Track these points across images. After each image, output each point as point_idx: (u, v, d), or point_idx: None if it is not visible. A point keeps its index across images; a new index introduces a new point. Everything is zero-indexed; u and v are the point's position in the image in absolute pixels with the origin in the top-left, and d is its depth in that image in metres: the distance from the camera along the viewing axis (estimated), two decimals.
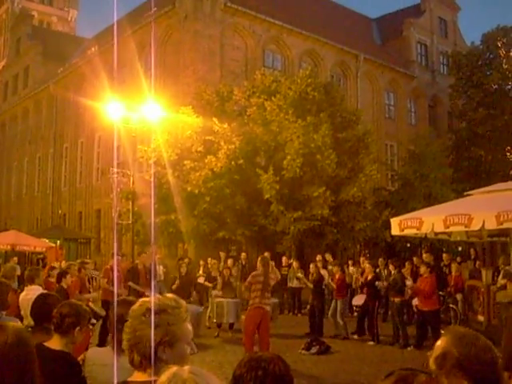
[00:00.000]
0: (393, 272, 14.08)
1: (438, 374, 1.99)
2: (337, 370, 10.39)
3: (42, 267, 16.33)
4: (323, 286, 15.47)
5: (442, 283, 14.82)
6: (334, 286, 14.62)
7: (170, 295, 2.39)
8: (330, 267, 16.84)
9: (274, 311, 14.12)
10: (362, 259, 18.29)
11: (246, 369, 1.90)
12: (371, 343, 13.24)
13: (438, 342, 2.10)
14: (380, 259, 17.47)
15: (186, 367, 1.65)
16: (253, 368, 1.89)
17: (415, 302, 13.63)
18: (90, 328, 5.01)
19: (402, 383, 1.19)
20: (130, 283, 12.99)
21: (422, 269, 13.01)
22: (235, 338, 13.36)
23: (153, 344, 2.13)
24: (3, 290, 4.71)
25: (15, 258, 21.30)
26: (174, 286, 15.40)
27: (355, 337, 13.85)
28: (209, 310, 15.03)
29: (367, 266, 14.71)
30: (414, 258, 17.42)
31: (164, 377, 1.63)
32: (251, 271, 11.40)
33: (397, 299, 13.29)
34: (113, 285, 11.65)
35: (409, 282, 13.39)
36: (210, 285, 16.83)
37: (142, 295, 11.76)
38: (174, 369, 1.65)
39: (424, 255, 16.20)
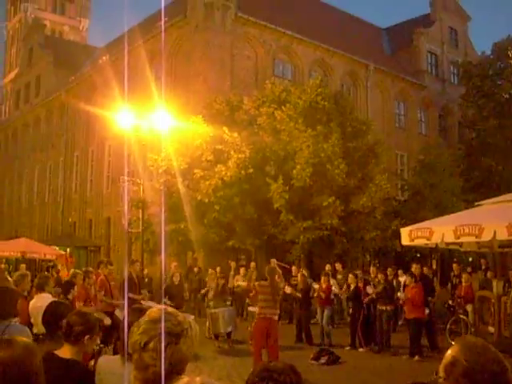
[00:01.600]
0: (381, 281, 14.16)
1: None
2: (346, 381, 10.35)
3: (52, 275, 16.36)
4: (310, 295, 15.77)
5: (431, 291, 14.87)
6: (323, 295, 14.75)
7: (171, 310, 2.36)
8: (339, 276, 16.85)
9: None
10: (371, 269, 18.20)
11: (258, 379, 1.90)
12: (361, 350, 13.55)
13: (449, 351, 2.11)
14: (389, 269, 17.38)
15: (198, 378, 1.63)
16: (264, 378, 1.89)
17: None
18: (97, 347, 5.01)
19: None
20: (130, 294, 12.84)
21: (408, 279, 13.20)
22: (239, 348, 13.31)
23: (163, 366, 2.10)
24: (12, 297, 4.72)
25: (23, 265, 21.35)
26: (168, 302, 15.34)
27: (361, 349, 13.83)
28: (207, 321, 14.90)
29: (350, 276, 14.92)
30: (412, 268, 17.38)
31: None
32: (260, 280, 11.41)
33: (387, 307, 13.56)
34: (111, 296, 11.53)
35: (399, 294, 13.75)
36: (202, 292, 16.85)
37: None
38: (185, 379, 1.64)
39: (414, 266, 16.15)
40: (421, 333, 12.92)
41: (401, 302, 13.68)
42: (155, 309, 2.33)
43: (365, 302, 13.91)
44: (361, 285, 14.38)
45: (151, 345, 2.13)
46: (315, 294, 15.44)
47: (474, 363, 1.99)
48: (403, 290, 15.06)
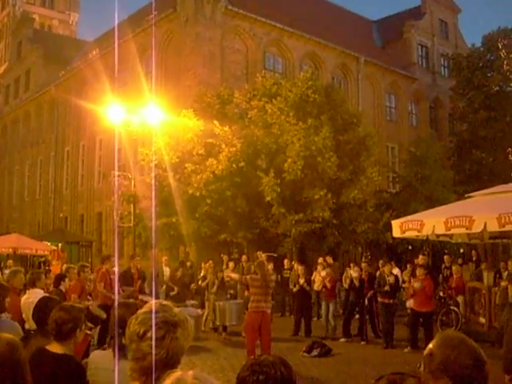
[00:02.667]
0: (382, 272, 14.14)
1: (426, 378, 2.03)
2: (338, 373, 10.40)
3: (44, 270, 16.33)
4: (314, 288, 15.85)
5: (436, 284, 14.90)
6: (329, 285, 14.71)
7: (166, 303, 2.39)
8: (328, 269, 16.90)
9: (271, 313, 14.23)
10: (363, 261, 18.28)
11: (249, 373, 1.92)
12: (363, 343, 13.59)
13: (430, 344, 2.16)
14: (381, 261, 17.45)
15: (191, 372, 1.64)
16: (255, 372, 1.91)
17: (410, 303, 13.72)
18: (88, 333, 5.00)
19: None
20: (124, 287, 12.91)
21: (419, 271, 13.05)
22: (234, 340, 13.37)
23: (154, 357, 2.12)
24: (1, 293, 4.71)
25: (10, 261, 21.29)
26: (172, 293, 15.44)
27: (363, 343, 13.85)
28: (206, 313, 14.99)
29: (356, 268, 15.00)
30: (416, 260, 17.43)
31: (168, 381, 1.63)
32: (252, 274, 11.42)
33: (387, 300, 13.42)
34: (110, 289, 11.58)
35: (405, 285, 13.65)
36: (203, 284, 16.90)
37: (136, 299, 11.73)
38: (178, 373, 1.65)
39: (420, 257, 16.21)
40: (432, 325, 12.77)
41: (405, 295, 13.62)
42: (153, 301, 2.37)
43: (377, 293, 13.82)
44: (365, 277, 14.33)
45: (149, 334, 2.17)
46: (317, 286, 15.44)
47: (448, 356, 2.06)
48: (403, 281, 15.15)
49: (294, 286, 16.08)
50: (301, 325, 14.90)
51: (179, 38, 28.91)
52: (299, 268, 16.18)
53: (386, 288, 13.32)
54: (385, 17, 45.55)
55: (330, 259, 19.07)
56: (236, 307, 14.09)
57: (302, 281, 15.31)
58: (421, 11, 41.67)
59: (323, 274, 15.86)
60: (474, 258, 19.97)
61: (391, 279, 13.50)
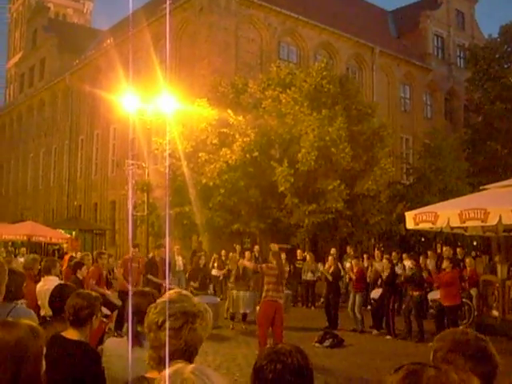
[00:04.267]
0: (410, 266, 13.97)
1: (447, 369, 2.04)
2: (350, 364, 10.40)
3: (58, 258, 16.50)
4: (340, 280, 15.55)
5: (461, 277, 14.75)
6: (354, 277, 14.52)
7: (187, 293, 2.40)
8: (350, 260, 16.84)
9: (287, 303, 14.16)
10: (376, 253, 18.22)
11: (266, 361, 1.92)
12: (388, 337, 13.19)
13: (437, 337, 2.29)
14: (393, 253, 17.39)
15: (191, 366, 1.62)
16: (272, 361, 1.91)
17: (432, 295, 13.56)
18: (103, 321, 5.05)
19: (411, 377, 1.20)
20: (149, 276, 13.09)
21: (445, 263, 12.87)
22: (249, 330, 13.42)
23: (168, 345, 2.13)
24: (18, 279, 4.75)
25: (23, 249, 21.50)
26: (193, 285, 15.39)
27: (374, 332, 13.75)
28: (227, 302, 15.03)
29: (385, 261, 14.57)
30: (429, 252, 17.37)
31: (166, 372, 1.62)
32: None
33: (416, 293, 13.18)
34: (128, 276, 11.71)
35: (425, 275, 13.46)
36: (220, 273, 16.94)
37: (160, 287, 11.86)
38: (177, 366, 1.65)
39: (444, 248, 16.11)
40: (456, 321, 12.45)
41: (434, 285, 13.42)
42: (173, 291, 2.39)
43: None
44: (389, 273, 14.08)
45: (167, 324, 2.18)
46: (346, 278, 15.27)
47: (458, 339, 2.18)
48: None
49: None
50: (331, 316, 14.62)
51: (194, 27, 28.87)
52: (329, 258, 15.93)
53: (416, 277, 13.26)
54: (400, 7, 45.15)
55: (350, 250, 19.10)
56: (250, 296, 14.14)
57: (331, 270, 15.05)
58: (437, 1, 41.22)
59: (348, 265, 15.75)
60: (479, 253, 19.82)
61: (417, 271, 13.36)
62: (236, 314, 14.15)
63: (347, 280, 17.23)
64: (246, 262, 13.85)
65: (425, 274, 13.73)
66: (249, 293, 14.23)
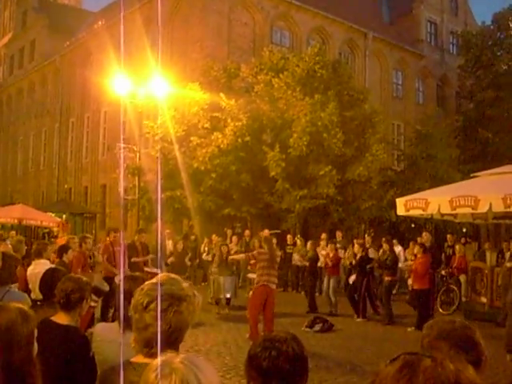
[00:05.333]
0: (385, 250, 14.13)
1: (443, 359, 2.06)
2: (339, 348, 10.48)
3: (48, 241, 16.42)
4: (318, 264, 15.85)
5: (438, 263, 14.94)
6: (330, 263, 14.71)
7: (175, 276, 2.39)
8: (338, 245, 16.98)
9: None
10: (366, 238, 18.31)
11: (261, 349, 1.92)
12: (358, 320, 13.50)
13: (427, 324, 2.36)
14: (383, 239, 17.48)
15: (180, 356, 1.60)
16: (267, 348, 1.91)
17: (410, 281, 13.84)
18: (92, 305, 5.03)
19: (407, 368, 1.20)
20: (133, 259, 13.03)
21: (416, 249, 13.16)
22: (236, 315, 13.47)
23: (160, 330, 2.12)
24: (11, 263, 4.74)
25: (13, 232, 21.40)
26: (169, 260, 15.57)
27: (359, 319, 13.84)
28: (209, 287, 15.10)
29: (356, 245, 14.82)
30: (419, 239, 17.46)
31: (155, 362, 1.61)
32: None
33: (387, 278, 13.55)
34: (113, 262, 11.57)
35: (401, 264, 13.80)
36: (208, 258, 17.04)
37: (142, 271, 11.80)
38: (166, 355, 1.63)
39: (423, 234, 16.26)
40: (426, 304, 12.80)
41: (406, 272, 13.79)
42: (162, 274, 2.37)
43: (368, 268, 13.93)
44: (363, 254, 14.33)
45: (153, 305, 2.17)
46: (322, 263, 15.49)
47: (446, 327, 2.24)
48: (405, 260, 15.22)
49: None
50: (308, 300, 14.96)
51: (186, 10, 28.64)
52: (308, 243, 16.17)
53: (388, 262, 13.49)
54: None
55: (339, 235, 19.20)
56: (231, 280, 14.25)
57: (296, 258, 15.35)
58: None
59: (323, 252, 15.92)
60: (468, 239, 19.99)
61: (390, 256, 13.62)
62: (221, 299, 14.19)
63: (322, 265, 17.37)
64: (236, 256, 13.91)
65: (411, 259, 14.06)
66: (230, 277, 14.28)
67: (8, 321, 2.19)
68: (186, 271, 16.58)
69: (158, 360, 1.59)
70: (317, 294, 15.76)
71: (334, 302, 14.37)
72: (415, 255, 13.36)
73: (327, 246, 15.84)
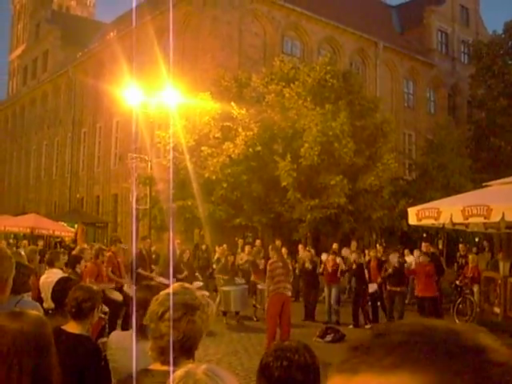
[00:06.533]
0: (394, 260, 14.07)
1: None
2: None
3: (61, 250, 16.45)
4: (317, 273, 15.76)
5: (441, 271, 14.87)
6: (330, 270, 14.68)
7: (189, 286, 2.41)
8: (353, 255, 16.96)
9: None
10: (378, 248, 18.24)
11: (272, 358, 1.92)
12: (367, 326, 13.42)
13: None
14: (391, 250, 17.36)
15: (203, 366, 1.60)
16: (279, 357, 1.91)
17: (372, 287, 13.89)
18: (102, 317, 5.05)
19: None
20: (139, 270, 12.95)
21: (422, 257, 13.14)
22: (246, 324, 13.44)
23: (171, 339, 2.13)
24: (25, 272, 4.76)
25: (25, 241, 21.52)
26: (179, 276, 15.31)
27: (367, 326, 13.81)
28: (218, 297, 15.01)
29: (354, 254, 14.93)
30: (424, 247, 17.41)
31: (178, 372, 1.61)
32: (266, 258, 11.48)
33: (399, 289, 13.49)
34: (118, 273, 11.48)
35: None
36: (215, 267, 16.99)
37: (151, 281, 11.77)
38: (189, 366, 1.63)
39: (423, 244, 16.27)
40: (436, 311, 12.80)
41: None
42: (176, 284, 2.41)
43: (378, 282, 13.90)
44: (374, 263, 14.26)
45: (167, 315, 2.20)
46: (321, 270, 15.46)
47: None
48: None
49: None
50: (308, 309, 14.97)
51: (197, 21, 28.80)
52: (305, 252, 16.23)
53: (389, 271, 13.43)
54: (405, 2, 44.95)
55: (354, 245, 19.20)
56: (240, 293, 13.97)
57: (307, 264, 15.30)
58: None
59: (324, 257, 15.91)
60: (487, 249, 19.83)
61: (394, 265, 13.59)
62: (229, 311, 14.06)
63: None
64: (261, 283, 13.69)
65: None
66: (239, 290, 14.08)
67: (33, 326, 2.21)
68: (192, 282, 16.48)
69: (181, 371, 1.60)
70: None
71: (336, 310, 14.28)
72: (419, 263, 13.41)
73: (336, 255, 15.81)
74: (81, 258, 9.10)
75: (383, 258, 15.49)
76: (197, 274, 17.01)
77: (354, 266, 14.31)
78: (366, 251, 18.82)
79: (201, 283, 15.39)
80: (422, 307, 13.26)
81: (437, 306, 13.29)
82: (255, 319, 13.97)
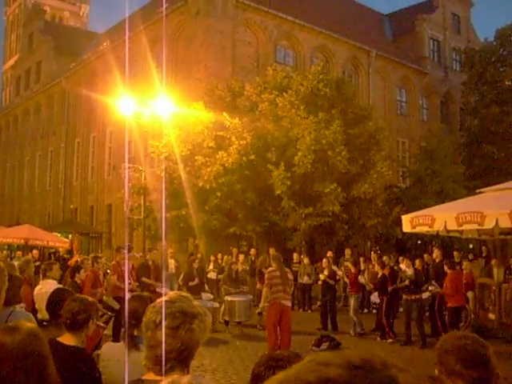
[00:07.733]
0: (407, 269, 13.90)
1: (443, 379, 2.10)
2: None
3: (55, 261, 16.42)
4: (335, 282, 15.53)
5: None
6: (348, 281, 14.55)
7: (187, 294, 2.40)
8: (346, 263, 16.91)
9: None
10: (372, 255, 18.24)
11: (264, 368, 1.91)
12: (390, 340, 12.97)
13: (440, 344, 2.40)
14: (400, 257, 17.28)
15: (187, 376, 1.60)
16: (271, 367, 1.90)
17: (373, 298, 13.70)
18: (102, 326, 5.02)
19: None
20: (144, 279, 13.06)
21: (445, 267, 12.89)
22: (245, 333, 13.40)
23: (164, 347, 2.12)
24: (15, 283, 4.74)
25: (19, 253, 21.43)
26: (192, 283, 15.06)
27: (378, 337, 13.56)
28: (222, 307, 14.91)
29: (376, 264, 14.53)
30: (425, 255, 17.39)
31: (163, 382, 1.61)
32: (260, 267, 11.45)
33: (418, 297, 13.09)
34: (123, 281, 11.61)
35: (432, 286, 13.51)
36: (220, 277, 16.93)
37: (153, 291, 11.83)
38: (173, 376, 1.62)
39: (425, 256, 16.20)
40: (457, 321, 12.47)
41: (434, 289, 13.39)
42: (173, 292, 2.39)
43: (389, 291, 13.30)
44: (386, 272, 13.91)
45: (165, 322, 2.17)
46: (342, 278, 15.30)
47: (453, 343, 2.29)
48: None
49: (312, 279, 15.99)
50: (327, 319, 14.60)
51: (190, 31, 28.88)
52: (324, 261, 15.91)
53: (406, 282, 13.15)
54: (397, 10, 45.32)
55: (348, 253, 19.25)
56: (245, 304, 13.91)
57: (325, 274, 15.03)
58: (433, 5, 41.35)
59: (339, 271, 15.83)
60: (484, 254, 19.86)
61: (409, 274, 13.35)
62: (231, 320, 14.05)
63: (343, 283, 17.37)
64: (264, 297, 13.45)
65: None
66: (244, 299, 14.03)
67: (17, 341, 2.19)
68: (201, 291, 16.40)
69: (166, 381, 1.59)
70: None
71: (357, 321, 13.84)
72: (445, 273, 13.12)
73: (341, 263, 15.72)
74: (80, 268, 9.21)
75: (395, 267, 15.20)
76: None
77: (379, 276, 13.68)
78: (361, 259, 18.72)
79: (211, 295, 15.32)
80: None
81: (457, 315, 12.73)
82: (260, 328, 13.81)
